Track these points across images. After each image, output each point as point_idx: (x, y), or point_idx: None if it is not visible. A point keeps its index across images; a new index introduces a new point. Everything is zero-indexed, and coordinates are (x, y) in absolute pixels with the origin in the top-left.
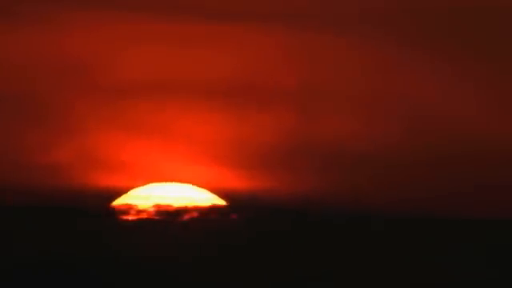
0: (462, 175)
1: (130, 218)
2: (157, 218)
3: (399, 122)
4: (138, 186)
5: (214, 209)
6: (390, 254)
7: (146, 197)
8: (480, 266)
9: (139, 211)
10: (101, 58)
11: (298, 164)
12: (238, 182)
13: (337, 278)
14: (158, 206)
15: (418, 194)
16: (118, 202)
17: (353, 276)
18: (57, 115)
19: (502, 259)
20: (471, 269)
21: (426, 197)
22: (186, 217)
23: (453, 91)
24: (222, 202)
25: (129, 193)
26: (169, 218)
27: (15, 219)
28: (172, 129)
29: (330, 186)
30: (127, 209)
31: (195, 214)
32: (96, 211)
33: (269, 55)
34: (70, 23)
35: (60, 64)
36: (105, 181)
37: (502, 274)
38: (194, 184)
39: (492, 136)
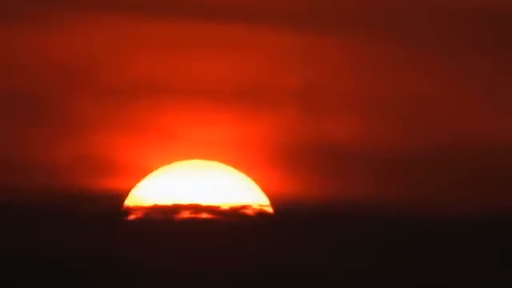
0: (465, 175)
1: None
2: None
3: (405, 121)
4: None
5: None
6: (395, 253)
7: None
8: (480, 265)
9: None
10: (102, 59)
11: (299, 164)
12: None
13: (335, 276)
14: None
15: (423, 195)
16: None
17: (353, 275)
18: (58, 116)
19: (502, 259)
20: (471, 269)
21: (432, 197)
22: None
23: (456, 91)
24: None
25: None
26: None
27: (15, 219)
28: (174, 129)
29: (332, 186)
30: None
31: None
32: (95, 212)
33: (271, 55)
34: (69, 24)
35: (61, 65)
36: (106, 181)
37: (503, 274)
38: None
39: (494, 136)
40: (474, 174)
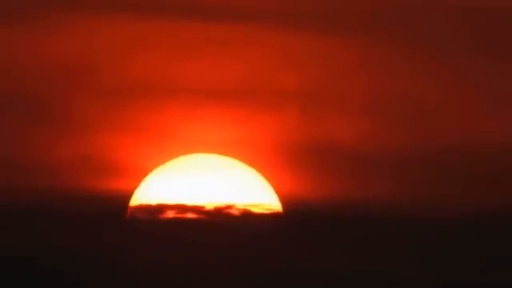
0: (467, 175)
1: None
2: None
3: (405, 122)
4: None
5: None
6: (403, 254)
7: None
8: (480, 265)
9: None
10: (102, 59)
11: (304, 164)
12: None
13: (340, 276)
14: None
15: (424, 195)
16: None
17: (354, 275)
18: (58, 116)
19: (501, 259)
20: (471, 269)
21: (434, 197)
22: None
23: (461, 92)
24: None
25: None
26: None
27: (16, 220)
28: (175, 129)
29: (333, 186)
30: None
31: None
32: (95, 213)
33: (271, 56)
34: (69, 24)
35: (61, 65)
36: (107, 182)
37: (503, 274)
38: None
39: (501, 137)
40: (482, 175)
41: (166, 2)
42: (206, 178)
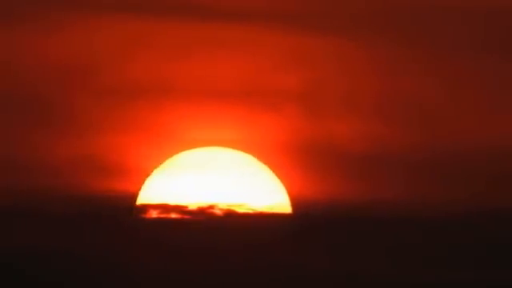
0: (478, 176)
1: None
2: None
3: (415, 123)
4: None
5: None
6: (410, 254)
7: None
8: (480, 265)
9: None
10: (102, 59)
11: (308, 163)
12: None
13: (337, 277)
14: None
15: (435, 196)
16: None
17: (355, 275)
18: (58, 116)
19: (502, 259)
20: (471, 269)
21: (445, 198)
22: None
23: (463, 93)
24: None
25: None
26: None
27: (16, 220)
28: (175, 129)
29: (336, 186)
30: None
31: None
32: (96, 213)
33: (272, 55)
34: (69, 24)
35: (61, 65)
36: (109, 182)
37: (502, 274)
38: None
39: (508, 138)
40: (492, 176)
41: (166, 2)
42: (210, 176)
